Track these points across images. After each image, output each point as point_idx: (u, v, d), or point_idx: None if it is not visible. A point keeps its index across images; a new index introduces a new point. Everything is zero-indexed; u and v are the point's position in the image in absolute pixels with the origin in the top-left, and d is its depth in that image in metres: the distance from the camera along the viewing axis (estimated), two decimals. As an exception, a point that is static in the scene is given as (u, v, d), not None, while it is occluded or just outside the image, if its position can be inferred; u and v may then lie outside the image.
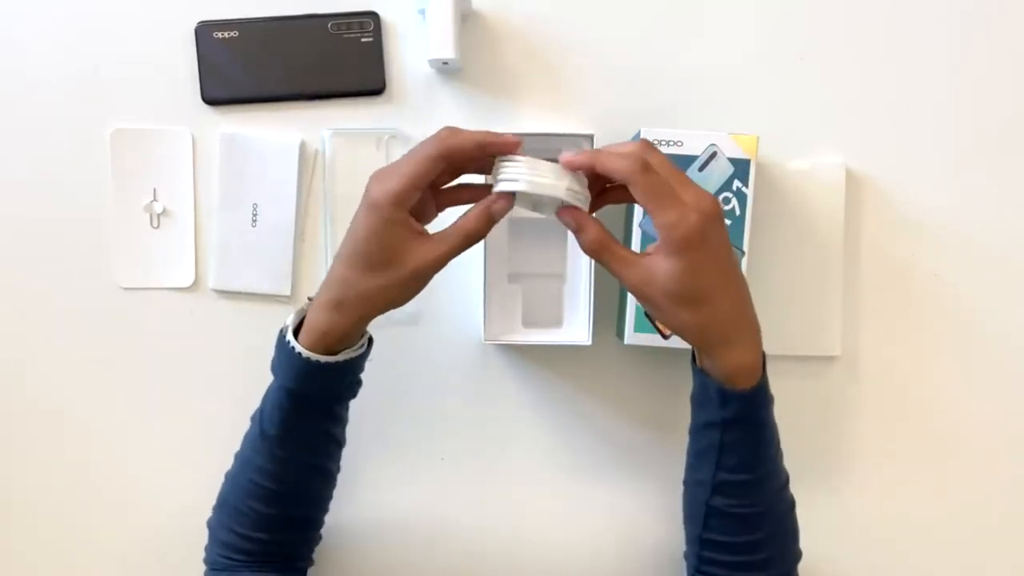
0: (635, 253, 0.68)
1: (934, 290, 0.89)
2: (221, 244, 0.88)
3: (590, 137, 0.82)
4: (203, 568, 0.77)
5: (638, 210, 0.80)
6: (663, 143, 0.79)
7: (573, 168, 0.66)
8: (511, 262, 0.85)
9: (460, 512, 0.90)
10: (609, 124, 0.87)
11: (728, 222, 0.80)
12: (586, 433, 0.90)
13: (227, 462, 0.78)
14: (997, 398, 0.90)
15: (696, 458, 0.75)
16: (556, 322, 0.86)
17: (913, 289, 0.89)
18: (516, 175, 0.66)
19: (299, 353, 0.70)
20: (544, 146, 0.85)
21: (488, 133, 0.67)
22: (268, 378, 0.75)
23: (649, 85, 0.88)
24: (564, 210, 0.67)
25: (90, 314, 0.88)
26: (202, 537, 0.78)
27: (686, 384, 0.89)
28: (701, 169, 0.80)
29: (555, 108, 0.88)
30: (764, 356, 0.71)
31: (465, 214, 0.69)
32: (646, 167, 0.63)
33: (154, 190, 0.88)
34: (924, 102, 0.89)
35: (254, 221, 0.87)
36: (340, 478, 0.85)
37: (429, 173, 0.66)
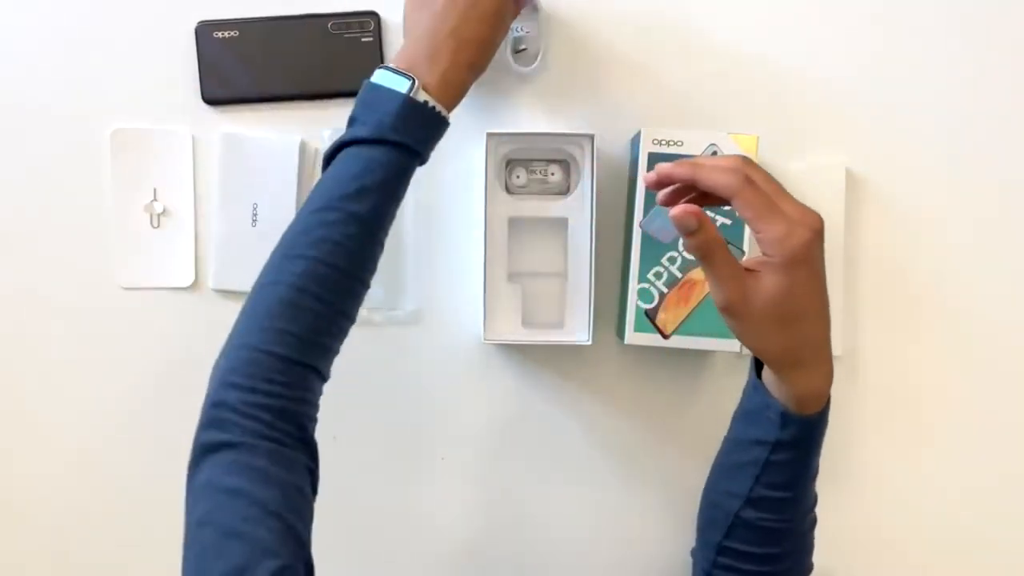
0: (739, 264, 0.64)
1: (934, 290, 0.89)
2: (221, 244, 0.88)
3: (590, 137, 0.82)
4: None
5: (638, 210, 0.80)
6: (663, 143, 0.79)
7: (672, 181, 0.65)
8: (511, 261, 0.85)
9: (460, 512, 0.90)
10: (609, 124, 0.87)
11: (728, 221, 0.80)
12: (586, 433, 0.89)
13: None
14: (997, 398, 0.90)
15: (732, 470, 0.73)
16: (556, 322, 0.86)
17: (913, 289, 0.89)
18: None
19: (438, 112, 0.72)
20: (545, 146, 0.85)
21: None
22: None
23: (649, 85, 0.88)
24: (682, 208, 0.63)
25: (90, 314, 0.88)
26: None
27: (686, 384, 0.89)
28: (701, 169, 0.80)
29: (555, 108, 0.88)
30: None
31: None
32: (749, 181, 0.61)
33: (154, 190, 0.88)
34: (924, 102, 0.89)
35: (254, 221, 0.87)
36: (339, 478, 0.85)
37: None
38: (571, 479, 0.90)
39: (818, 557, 0.77)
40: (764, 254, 0.62)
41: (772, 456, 0.69)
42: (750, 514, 0.71)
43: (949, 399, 0.90)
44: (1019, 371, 0.90)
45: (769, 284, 0.62)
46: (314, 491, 0.69)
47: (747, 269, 0.63)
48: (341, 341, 0.70)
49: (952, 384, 0.90)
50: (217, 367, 0.67)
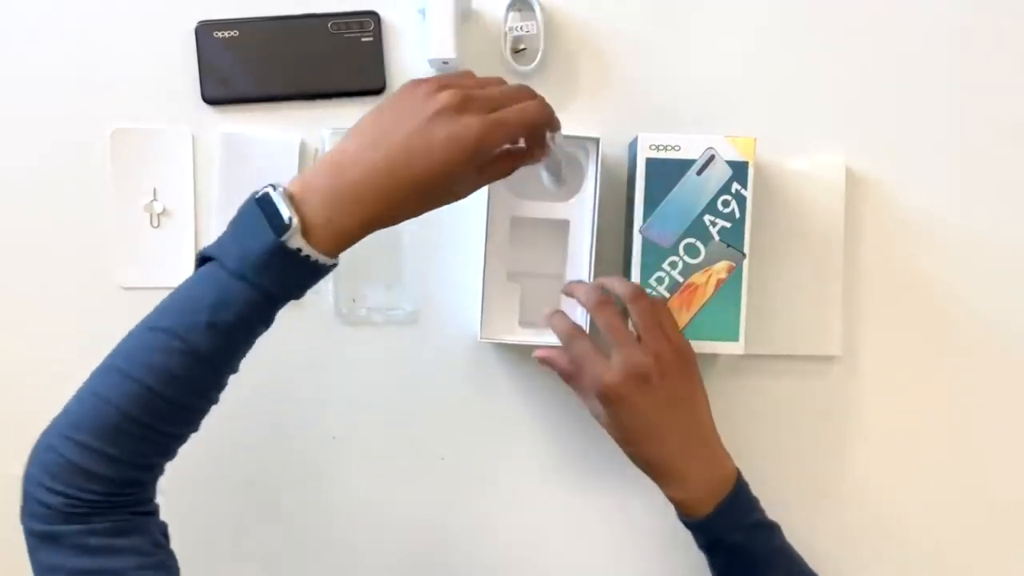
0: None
1: (934, 290, 0.89)
2: (221, 244, 0.88)
3: (596, 140, 0.82)
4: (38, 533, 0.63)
5: (638, 216, 0.80)
6: (660, 148, 0.79)
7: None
8: (510, 261, 0.85)
9: (459, 512, 0.90)
10: (609, 124, 0.86)
11: (728, 224, 0.80)
12: (585, 433, 0.89)
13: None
14: (997, 398, 0.90)
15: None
16: (555, 323, 0.86)
17: (913, 289, 0.89)
18: None
19: (314, 261, 0.61)
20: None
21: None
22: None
23: (649, 84, 0.88)
24: (541, 356, 0.80)
25: (90, 314, 0.88)
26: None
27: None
28: (699, 173, 0.79)
29: (554, 108, 0.88)
30: (739, 483, 0.76)
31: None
32: (604, 306, 0.76)
33: (154, 190, 0.88)
34: (924, 102, 0.89)
35: (254, 221, 0.87)
36: (338, 477, 0.85)
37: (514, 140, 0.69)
38: (571, 479, 0.90)
39: (817, 558, 0.78)
40: None
41: (712, 566, 0.77)
42: None
43: (948, 398, 0.90)
44: (1019, 371, 0.90)
45: (599, 411, 0.76)
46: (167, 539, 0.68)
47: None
48: (181, 444, 0.66)
49: (951, 383, 0.90)
50: (37, 460, 0.64)
